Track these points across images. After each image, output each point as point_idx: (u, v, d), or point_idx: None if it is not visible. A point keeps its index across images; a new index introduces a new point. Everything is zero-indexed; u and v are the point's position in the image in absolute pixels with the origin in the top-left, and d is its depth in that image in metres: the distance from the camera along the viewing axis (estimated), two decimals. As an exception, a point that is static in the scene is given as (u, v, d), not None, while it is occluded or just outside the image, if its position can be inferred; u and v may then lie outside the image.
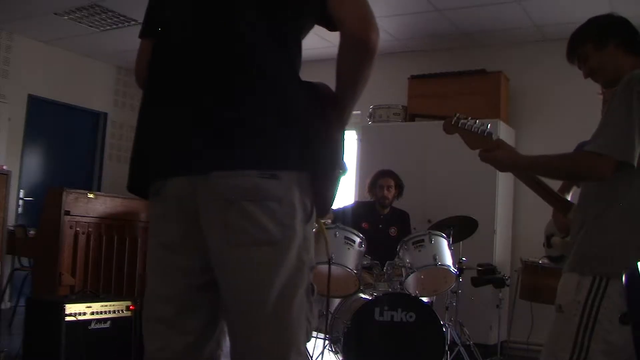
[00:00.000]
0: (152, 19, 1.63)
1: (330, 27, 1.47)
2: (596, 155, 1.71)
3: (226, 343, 1.52)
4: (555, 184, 2.22)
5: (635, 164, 1.70)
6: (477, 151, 1.97)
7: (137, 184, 1.55)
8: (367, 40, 1.39)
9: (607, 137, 1.72)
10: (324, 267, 3.38)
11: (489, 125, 1.98)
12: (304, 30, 1.53)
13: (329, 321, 3.79)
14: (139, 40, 1.64)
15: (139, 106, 1.57)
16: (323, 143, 1.44)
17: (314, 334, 3.35)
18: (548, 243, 2.44)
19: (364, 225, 4.48)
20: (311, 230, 1.47)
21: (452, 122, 2.00)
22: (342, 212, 4.60)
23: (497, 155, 1.93)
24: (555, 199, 2.16)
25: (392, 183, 4.64)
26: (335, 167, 1.49)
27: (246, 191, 1.34)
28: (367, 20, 1.40)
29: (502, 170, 2.01)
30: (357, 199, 5.44)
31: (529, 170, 2.04)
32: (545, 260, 3.71)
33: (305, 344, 1.45)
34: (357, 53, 1.43)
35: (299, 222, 1.40)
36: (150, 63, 1.56)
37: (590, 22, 1.99)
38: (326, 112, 1.48)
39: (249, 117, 1.38)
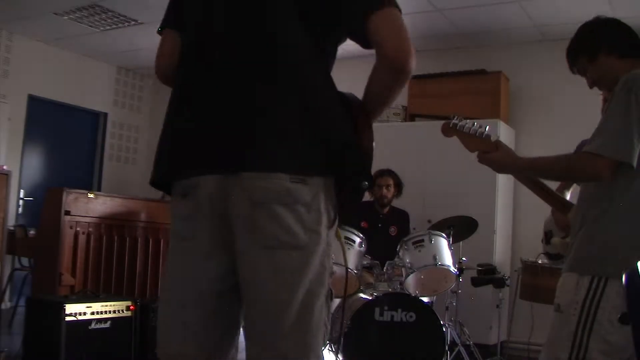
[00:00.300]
0: (178, 12, 1.61)
1: (365, 45, 1.47)
2: (595, 156, 1.71)
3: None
4: (553, 184, 2.22)
5: (635, 164, 1.70)
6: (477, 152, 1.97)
7: (164, 179, 1.54)
8: (404, 65, 1.40)
9: (606, 137, 1.72)
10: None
11: (487, 127, 1.97)
12: (339, 41, 1.55)
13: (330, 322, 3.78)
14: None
15: (168, 102, 1.56)
16: (351, 151, 1.45)
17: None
18: (547, 239, 2.43)
19: (362, 224, 4.47)
20: (333, 236, 1.49)
21: (450, 125, 1.99)
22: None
23: (495, 157, 1.92)
24: (554, 199, 2.16)
25: (391, 182, 4.63)
26: (360, 176, 1.49)
27: (277, 194, 1.36)
28: (406, 46, 1.40)
29: (501, 171, 2.00)
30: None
31: (528, 172, 2.04)
32: (544, 258, 3.70)
33: (322, 349, 1.46)
34: (392, 77, 1.45)
35: (324, 228, 1.43)
36: (181, 61, 1.55)
37: (578, 33, 1.97)
38: (355, 122, 1.49)
39: (282, 121, 1.39)
